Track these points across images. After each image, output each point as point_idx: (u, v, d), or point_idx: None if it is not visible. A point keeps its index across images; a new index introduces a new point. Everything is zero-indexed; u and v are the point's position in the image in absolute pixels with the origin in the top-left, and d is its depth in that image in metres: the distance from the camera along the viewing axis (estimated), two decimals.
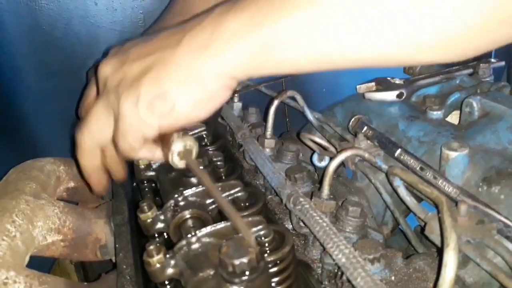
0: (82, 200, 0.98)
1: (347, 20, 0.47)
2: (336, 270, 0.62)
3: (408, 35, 0.46)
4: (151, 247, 0.50)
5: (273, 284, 0.52)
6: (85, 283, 0.71)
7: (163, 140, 0.61)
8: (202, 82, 0.56)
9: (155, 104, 0.57)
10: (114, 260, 0.82)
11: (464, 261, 0.57)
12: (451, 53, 0.48)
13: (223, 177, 0.74)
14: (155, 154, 0.64)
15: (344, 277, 0.52)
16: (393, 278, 0.58)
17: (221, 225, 0.53)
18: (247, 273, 0.44)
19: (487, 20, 0.44)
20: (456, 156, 0.64)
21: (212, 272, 0.47)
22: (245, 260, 0.44)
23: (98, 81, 0.65)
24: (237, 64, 0.54)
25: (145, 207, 0.60)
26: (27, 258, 0.70)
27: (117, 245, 0.71)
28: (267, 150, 0.84)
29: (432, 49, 0.47)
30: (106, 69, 0.63)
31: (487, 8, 0.43)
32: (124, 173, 0.72)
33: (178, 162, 0.60)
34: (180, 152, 0.60)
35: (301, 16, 0.48)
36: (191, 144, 0.60)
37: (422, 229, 0.65)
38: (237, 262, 0.44)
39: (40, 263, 0.75)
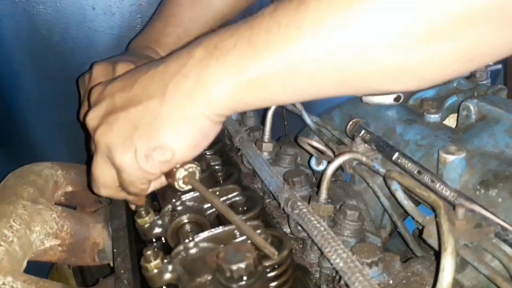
0: (80, 205, 0.98)
1: (328, 58, 0.48)
2: (334, 274, 0.62)
3: (386, 72, 0.49)
4: (149, 252, 0.50)
5: None
6: None
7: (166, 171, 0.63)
8: (194, 126, 0.58)
9: (154, 155, 0.59)
10: (112, 265, 0.82)
11: (462, 264, 0.57)
12: (409, 84, 0.51)
13: (221, 181, 0.74)
14: (162, 183, 0.66)
15: (342, 282, 0.52)
16: (391, 282, 0.58)
17: (218, 230, 0.53)
18: (244, 278, 0.44)
19: (457, 59, 0.47)
20: (453, 159, 0.64)
21: (209, 277, 0.47)
22: (242, 265, 0.44)
23: (89, 130, 0.67)
24: (224, 105, 0.56)
25: (143, 212, 0.60)
26: (24, 263, 0.70)
27: (115, 250, 0.70)
28: (265, 153, 0.84)
29: (394, 80, 0.50)
30: (93, 122, 0.65)
31: (457, 48, 0.45)
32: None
33: (184, 187, 0.62)
34: (184, 177, 0.61)
35: (284, 59, 0.50)
36: (192, 166, 0.62)
37: (420, 232, 0.65)
38: (234, 267, 0.44)
39: (38, 268, 0.75)
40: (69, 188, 0.96)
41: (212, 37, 0.57)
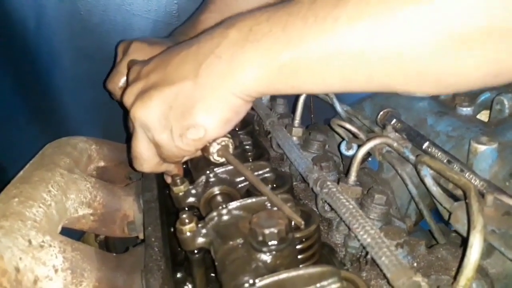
0: (111, 180, 1.00)
1: (359, 54, 0.50)
2: (359, 255, 0.63)
3: (412, 74, 0.50)
4: (184, 215, 0.53)
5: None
6: (114, 254, 0.74)
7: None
8: (226, 105, 0.60)
9: (188, 134, 0.62)
10: (140, 237, 0.85)
11: (488, 251, 0.57)
12: (433, 90, 0.53)
13: (251, 161, 0.76)
14: (196, 154, 0.69)
15: (368, 257, 0.53)
16: (415, 264, 0.59)
17: (251, 199, 0.55)
18: (276, 242, 0.46)
19: (483, 72, 0.48)
20: (484, 149, 0.64)
21: (241, 242, 0.49)
22: (275, 230, 0.46)
23: (126, 107, 0.70)
24: (255, 88, 0.58)
25: (178, 181, 0.63)
26: (59, 228, 0.73)
27: (146, 220, 0.73)
28: (294, 138, 0.85)
29: (424, 83, 0.51)
30: (129, 100, 0.67)
31: (488, 61, 0.46)
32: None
33: (219, 159, 0.65)
34: (218, 151, 0.64)
35: (317, 49, 0.51)
36: (225, 140, 0.64)
37: (446, 222, 0.65)
38: (267, 231, 0.46)
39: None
40: (102, 163, 1.00)
41: (247, 18, 0.58)
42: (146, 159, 0.69)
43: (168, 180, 0.75)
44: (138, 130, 0.66)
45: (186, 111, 0.61)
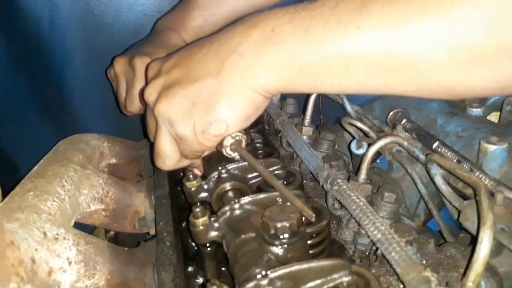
0: (122, 177, 1.01)
1: (377, 61, 0.52)
2: (368, 252, 0.63)
3: (426, 84, 0.52)
4: (197, 209, 0.53)
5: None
6: (126, 248, 0.75)
7: None
8: (248, 101, 0.62)
9: (210, 130, 0.63)
10: (151, 233, 0.86)
11: (497, 250, 0.58)
12: (443, 97, 0.56)
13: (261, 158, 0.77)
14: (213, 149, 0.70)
15: (378, 252, 0.53)
16: (424, 262, 0.59)
17: (262, 195, 0.56)
18: (287, 236, 0.47)
19: (491, 86, 0.50)
20: (494, 149, 0.65)
21: (253, 235, 0.50)
22: (287, 224, 0.47)
23: (145, 102, 0.71)
24: (275, 87, 0.60)
25: (191, 176, 0.64)
26: (72, 222, 0.74)
27: (157, 215, 0.74)
28: (304, 137, 0.86)
29: (432, 92, 0.54)
30: (152, 97, 0.69)
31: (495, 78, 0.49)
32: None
33: (232, 154, 0.66)
34: (231, 145, 0.65)
35: (337, 54, 0.53)
36: (239, 135, 0.65)
37: (455, 222, 0.66)
38: (279, 225, 0.47)
39: None
40: (113, 160, 1.01)
41: (269, 18, 0.59)
42: (168, 155, 0.70)
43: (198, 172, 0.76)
44: (162, 126, 0.68)
45: (209, 107, 0.62)
